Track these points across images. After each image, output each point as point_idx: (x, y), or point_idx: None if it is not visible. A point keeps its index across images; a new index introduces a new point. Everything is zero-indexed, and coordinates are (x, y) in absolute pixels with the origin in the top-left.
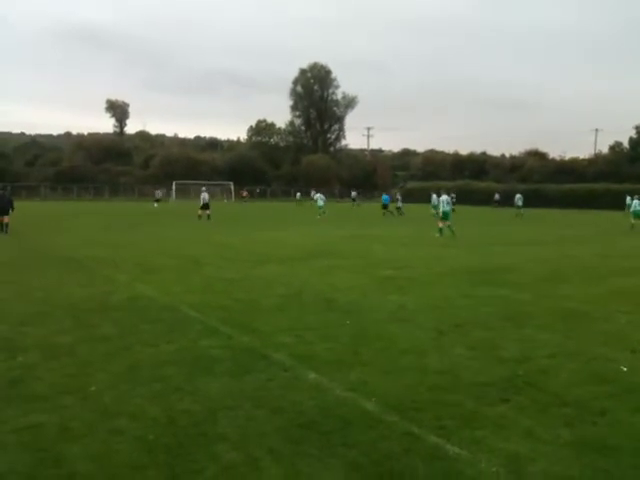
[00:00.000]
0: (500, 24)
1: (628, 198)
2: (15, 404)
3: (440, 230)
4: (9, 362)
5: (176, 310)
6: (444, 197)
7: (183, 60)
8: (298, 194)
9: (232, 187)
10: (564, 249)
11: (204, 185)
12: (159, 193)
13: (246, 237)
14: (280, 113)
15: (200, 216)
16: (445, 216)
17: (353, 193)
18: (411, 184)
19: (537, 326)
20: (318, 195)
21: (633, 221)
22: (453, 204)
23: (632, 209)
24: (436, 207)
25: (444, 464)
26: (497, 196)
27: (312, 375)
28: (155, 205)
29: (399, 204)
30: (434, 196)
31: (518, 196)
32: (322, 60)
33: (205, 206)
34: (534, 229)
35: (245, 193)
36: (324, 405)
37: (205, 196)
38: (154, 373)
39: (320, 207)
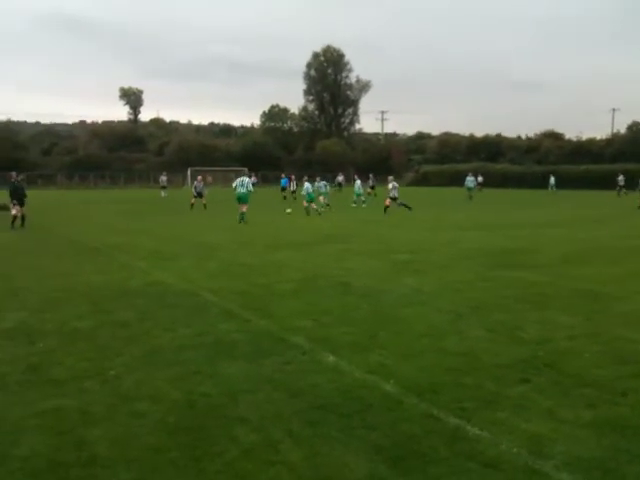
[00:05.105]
0: (518, 4)
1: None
2: (35, 388)
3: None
4: (29, 347)
5: (194, 295)
6: (329, 180)
7: (187, 47)
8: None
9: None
10: (581, 230)
11: (200, 174)
12: (164, 180)
13: (255, 222)
14: (293, 99)
15: (193, 205)
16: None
17: (339, 177)
18: (426, 168)
19: (557, 308)
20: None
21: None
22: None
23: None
24: (359, 194)
25: (465, 445)
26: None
27: (330, 358)
28: (163, 194)
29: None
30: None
31: (469, 179)
32: (334, 44)
33: (199, 195)
34: (550, 210)
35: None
36: (343, 388)
37: (198, 184)
38: (173, 357)
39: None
